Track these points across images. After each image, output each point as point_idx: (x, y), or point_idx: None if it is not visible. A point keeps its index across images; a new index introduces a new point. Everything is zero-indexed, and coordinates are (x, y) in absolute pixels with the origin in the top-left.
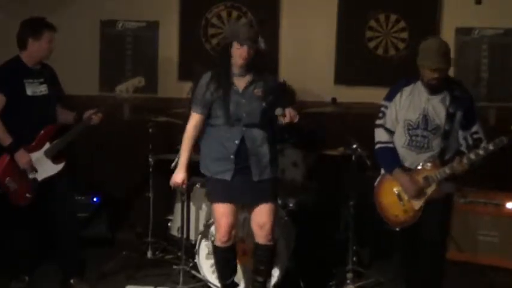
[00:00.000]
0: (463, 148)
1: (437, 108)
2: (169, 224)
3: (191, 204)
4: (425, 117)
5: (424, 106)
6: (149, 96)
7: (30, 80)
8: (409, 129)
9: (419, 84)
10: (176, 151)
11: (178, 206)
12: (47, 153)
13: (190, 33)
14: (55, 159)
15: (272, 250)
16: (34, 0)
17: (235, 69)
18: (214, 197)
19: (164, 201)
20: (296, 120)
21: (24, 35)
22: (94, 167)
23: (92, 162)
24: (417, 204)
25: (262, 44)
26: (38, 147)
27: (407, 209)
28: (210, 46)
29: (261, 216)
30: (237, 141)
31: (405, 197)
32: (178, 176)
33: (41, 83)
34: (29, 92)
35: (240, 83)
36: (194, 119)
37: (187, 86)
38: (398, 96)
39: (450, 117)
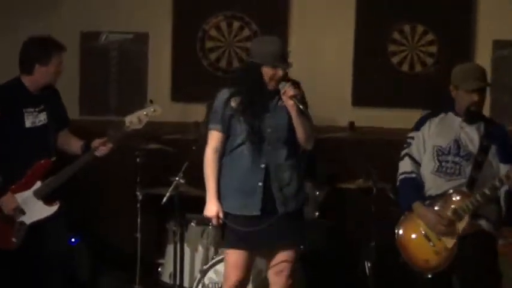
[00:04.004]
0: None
1: (470, 134)
2: (159, 269)
3: (185, 245)
4: (457, 143)
5: (456, 132)
6: None
7: (30, 109)
8: (438, 155)
9: (450, 114)
10: (169, 184)
11: (170, 248)
12: (36, 193)
13: (185, 46)
14: (48, 200)
15: None
16: (7, 8)
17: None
18: (229, 241)
19: (154, 242)
20: (292, 93)
21: (29, 58)
22: (73, 202)
23: (70, 197)
24: (450, 242)
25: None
26: (26, 186)
27: (438, 249)
28: (207, 62)
29: (281, 260)
30: (263, 165)
31: (434, 236)
32: (212, 209)
33: (41, 111)
34: (28, 123)
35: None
36: (214, 139)
37: (181, 107)
38: (426, 125)
39: (484, 149)
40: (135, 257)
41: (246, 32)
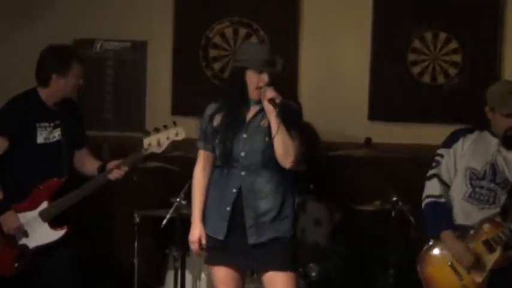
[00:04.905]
0: None
1: (508, 159)
2: None
3: (187, 272)
4: (494, 167)
5: (492, 155)
6: (134, 135)
7: (45, 124)
8: (471, 179)
9: (486, 133)
10: (169, 205)
11: (170, 275)
12: (42, 215)
13: (187, 55)
14: (54, 224)
15: None
16: None
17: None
18: (210, 258)
19: (153, 268)
20: (271, 95)
21: (46, 68)
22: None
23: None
24: (480, 276)
25: (279, 64)
26: (31, 206)
27: (467, 283)
28: (211, 72)
29: None
30: (234, 190)
31: (462, 269)
32: (194, 234)
33: (56, 127)
34: (40, 139)
35: (248, 113)
36: (201, 159)
37: (183, 121)
38: (460, 142)
39: None
40: (132, 284)
41: (254, 40)
